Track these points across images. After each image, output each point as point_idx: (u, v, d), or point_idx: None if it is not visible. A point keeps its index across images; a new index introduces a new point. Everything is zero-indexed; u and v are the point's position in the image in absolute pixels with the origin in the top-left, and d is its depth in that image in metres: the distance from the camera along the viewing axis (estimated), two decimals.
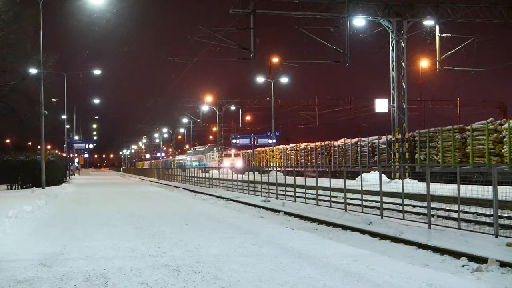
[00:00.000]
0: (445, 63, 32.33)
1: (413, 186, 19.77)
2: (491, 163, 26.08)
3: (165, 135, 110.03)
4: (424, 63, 51.04)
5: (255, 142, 53.43)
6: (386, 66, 32.33)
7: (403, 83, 31.67)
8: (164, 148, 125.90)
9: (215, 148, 70.88)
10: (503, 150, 26.24)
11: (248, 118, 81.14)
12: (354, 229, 13.46)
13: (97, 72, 50.15)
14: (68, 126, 62.36)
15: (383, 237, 12.09)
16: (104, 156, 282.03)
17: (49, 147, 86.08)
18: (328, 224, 14.89)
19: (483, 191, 14.46)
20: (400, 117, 31.66)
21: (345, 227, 13.93)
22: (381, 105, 33.65)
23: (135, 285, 6.87)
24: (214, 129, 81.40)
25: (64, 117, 57.43)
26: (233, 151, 67.55)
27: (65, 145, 58.48)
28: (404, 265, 8.41)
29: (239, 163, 64.46)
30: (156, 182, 53.56)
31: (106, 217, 15.48)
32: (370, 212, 16.36)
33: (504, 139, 26.18)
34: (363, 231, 13.05)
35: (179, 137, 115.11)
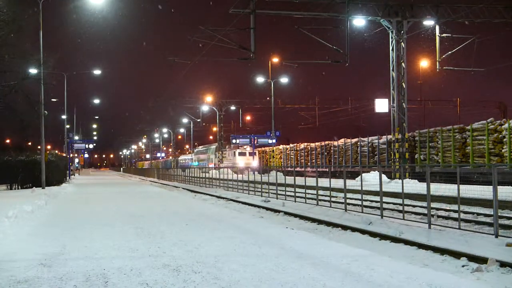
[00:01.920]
0: (445, 63, 32.36)
1: (413, 186, 19.76)
2: (491, 163, 26.09)
3: (165, 135, 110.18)
4: (424, 63, 51.10)
5: (255, 142, 53.42)
6: (386, 66, 32.35)
7: (403, 83, 31.68)
8: (164, 148, 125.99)
9: (227, 146, 64.96)
10: (503, 150, 26.24)
11: (248, 118, 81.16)
12: (354, 229, 13.46)
13: (97, 72, 50.20)
14: (68, 126, 62.38)
15: (383, 237, 12.09)
16: (104, 156, 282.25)
17: (49, 147, 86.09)
18: (328, 224, 14.89)
19: (483, 191, 14.46)
20: (400, 117, 31.67)
21: (345, 227, 13.93)
22: (381, 105, 33.67)
23: (135, 285, 6.87)
24: (214, 129, 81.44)
25: (64, 117, 57.48)
26: (248, 149, 60.76)
27: (65, 145, 58.48)
28: (404, 265, 8.41)
29: (255, 162, 57.80)
30: (156, 182, 53.56)
31: (106, 217, 15.48)
32: (370, 212, 16.35)
33: (504, 139, 26.18)
34: (363, 231, 13.05)
35: (179, 137, 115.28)
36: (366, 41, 33.79)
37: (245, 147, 61.27)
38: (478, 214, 15.69)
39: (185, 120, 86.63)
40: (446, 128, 30.72)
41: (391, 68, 31.74)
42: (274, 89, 52.49)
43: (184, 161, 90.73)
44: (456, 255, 9.63)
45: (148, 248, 9.71)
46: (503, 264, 8.63)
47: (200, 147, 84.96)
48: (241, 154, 60.42)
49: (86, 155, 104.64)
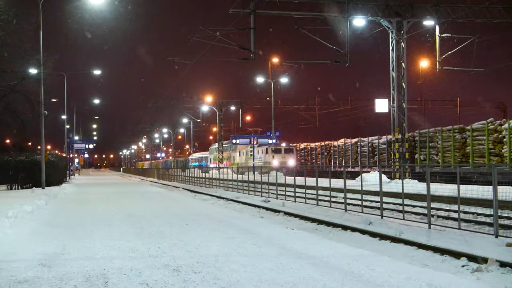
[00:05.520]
0: (445, 63, 32.34)
1: (413, 186, 19.77)
2: (491, 163, 26.09)
3: (165, 135, 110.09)
4: (424, 63, 51.06)
5: (255, 142, 53.25)
6: (387, 66, 32.33)
7: (403, 83, 31.66)
8: (164, 148, 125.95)
9: (254, 143, 53.00)
10: (503, 150, 26.25)
11: (248, 118, 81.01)
12: (354, 229, 13.45)
13: (97, 72, 50.21)
14: (68, 126, 62.34)
15: (383, 237, 12.09)
16: (104, 156, 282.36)
17: (49, 147, 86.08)
18: (328, 224, 14.88)
19: (483, 191, 14.48)
20: (400, 117, 31.65)
21: (345, 227, 13.93)
22: (381, 105, 33.63)
23: (135, 285, 6.87)
24: (214, 129, 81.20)
25: (64, 117, 57.48)
26: (283, 145, 52.63)
27: (65, 145, 58.46)
28: (404, 265, 8.41)
29: (291, 161, 50.55)
30: (156, 183, 53.56)
31: (106, 217, 15.47)
32: (370, 212, 16.36)
33: (504, 139, 26.19)
34: (363, 231, 13.04)
35: (179, 137, 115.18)
36: (366, 41, 33.73)
37: (281, 143, 52.89)
38: (478, 214, 15.68)
39: (185, 120, 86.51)
40: (446, 128, 30.76)
41: (391, 68, 31.73)
42: (274, 89, 52.46)
43: (198, 159, 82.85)
44: (456, 255, 9.63)
45: (148, 248, 9.71)
46: (503, 264, 8.62)
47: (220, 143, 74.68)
48: (275, 151, 51.69)
49: (86, 155, 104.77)
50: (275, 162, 48.36)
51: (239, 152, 61.45)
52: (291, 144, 54.36)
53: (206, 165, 69.25)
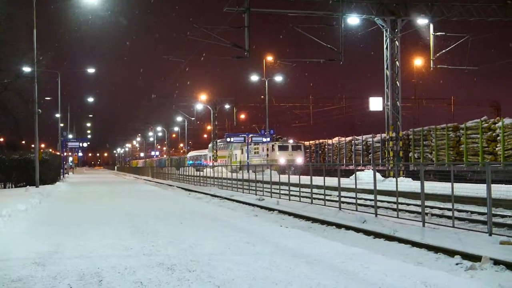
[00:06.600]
0: (439, 61, 32.38)
1: (407, 184, 19.80)
2: (485, 161, 26.18)
3: (159, 134, 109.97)
4: (418, 62, 51.20)
5: (250, 141, 53.11)
6: (381, 64, 32.38)
7: (397, 82, 31.70)
8: (158, 147, 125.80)
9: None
10: (496, 149, 26.35)
11: (242, 116, 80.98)
12: (348, 228, 13.46)
13: (91, 70, 50.08)
14: (62, 125, 62.09)
15: (377, 235, 12.10)
16: (98, 154, 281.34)
17: (43, 145, 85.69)
18: (322, 222, 14.89)
19: (476, 189, 14.54)
20: (394, 115, 31.70)
21: (339, 226, 13.94)
22: (375, 104, 33.66)
23: (129, 284, 6.86)
24: (209, 127, 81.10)
25: (58, 115, 57.29)
26: (291, 141, 50.37)
27: (59, 144, 58.24)
28: (398, 263, 8.42)
29: (299, 159, 48.22)
30: (151, 181, 53.48)
31: (101, 216, 15.45)
32: (364, 210, 16.38)
33: (498, 138, 26.29)
34: (357, 230, 13.05)
35: (173, 135, 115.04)
36: (361, 39, 33.81)
37: (288, 139, 51.21)
38: (472, 212, 15.73)
39: (179, 119, 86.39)
40: (440, 127, 30.85)
41: (385, 67, 31.75)
42: (269, 87, 52.39)
43: (194, 158, 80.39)
44: (450, 253, 9.65)
45: (142, 247, 9.70)
46: (496, 262, 8.64)
47: (219, 141, 69.54)
48: (282, 148, 49.26)
49: (80, 154, 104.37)
50: (282, 160, 46.25)
51: (242, 149, 58.86)
52: (298, 142, 52.79)
53: (203, 164, 68.75)
